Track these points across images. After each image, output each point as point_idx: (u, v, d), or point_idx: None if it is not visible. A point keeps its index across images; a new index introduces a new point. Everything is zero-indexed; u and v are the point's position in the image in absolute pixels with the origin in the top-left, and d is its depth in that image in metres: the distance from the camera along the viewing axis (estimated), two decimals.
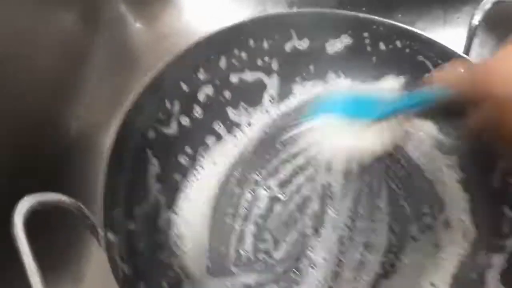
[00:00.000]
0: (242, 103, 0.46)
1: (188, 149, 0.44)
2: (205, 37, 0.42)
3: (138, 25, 0.51)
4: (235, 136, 0.46)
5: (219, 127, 0.45)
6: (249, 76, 0.46)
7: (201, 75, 0.44)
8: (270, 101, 0.47)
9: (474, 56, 0.43)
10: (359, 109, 0.37)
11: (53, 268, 0.30)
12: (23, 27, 0.40)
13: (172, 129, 0.42)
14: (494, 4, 0.42)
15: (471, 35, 0.42)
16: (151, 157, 0.40)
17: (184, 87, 0.43)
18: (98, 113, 0.45)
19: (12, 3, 0.38)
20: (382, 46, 0.46)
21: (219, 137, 0.45)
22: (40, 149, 0.40)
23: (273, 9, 0.54)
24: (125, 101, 0.38)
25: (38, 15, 0.42)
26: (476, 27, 0.42)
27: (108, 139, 0.36)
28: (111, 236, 0.33)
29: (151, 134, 0.41)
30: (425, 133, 0.44)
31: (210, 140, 0.45)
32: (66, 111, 0.43)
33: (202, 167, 0.44)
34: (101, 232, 0.32)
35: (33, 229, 0.28)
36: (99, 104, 0.45)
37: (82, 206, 0.31)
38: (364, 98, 0.38)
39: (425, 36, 0.44)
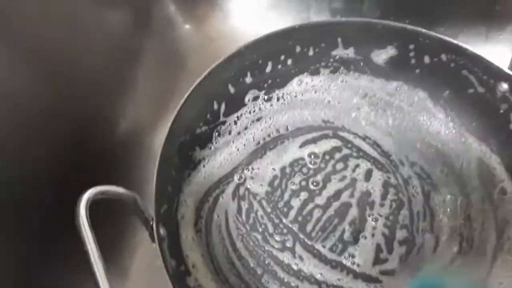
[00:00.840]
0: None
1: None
2: (253, 41, 0.43)
3: (187, 26, 0.51)
4: None
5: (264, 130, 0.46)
6: None
7: (248, 79, 0.45)
8: None
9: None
10: None
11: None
12: (77, 28, 0.40)
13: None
14: None
15: None
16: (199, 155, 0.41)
17: (232, 89, 0.44)
18: (146, 113, 0.46)
19: (67, 4, 0.39)
20: (427, 59, 0.46)
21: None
22: (89, 146, 0.41)
23: (316, 17, 0.54)
24: (172, 101, 0.39)
25: (91, 16, 0.43)
26: None
27: (154, 138, 0.37)
28: (162, 230, 0.34)
29: (199, 132, 0.42)
30: None
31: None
32: (115, 110, 0.44)
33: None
34: (154, 225, 0.33)
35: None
36: (147, 103, 0.46)
37: (139, 199, 0.32)
38: None
39: (471, 51, 0.44)
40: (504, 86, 0.44)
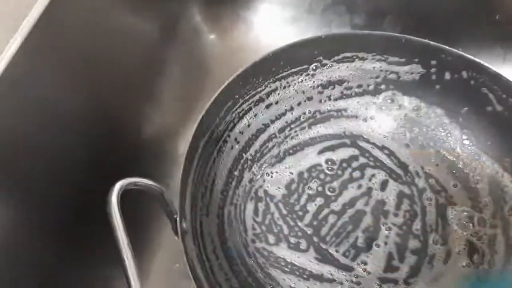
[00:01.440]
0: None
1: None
2: (280, 48, 0.45)
3: (211, 36, 0.53)
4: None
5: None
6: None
7: (266, 83, 0.46)
8: None
9: None
10: None
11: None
12: (110, 38, 0.42)
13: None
14: None
15: None
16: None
17: (251, 91, 0.45)
18: (171, 118, 0.48)
19: (103, 16, 0.41)
20: (447, 75, 0.47)
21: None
22: (118, 148, 0.43)
23: (338, 30, 0.56)
24: (196, 107, 0.40)
25: (120, 24, 0.44)
26: None
27: (178, 142, 0.39)
28: (185, 224, 0.36)
29: (219, 132, 0.43)
30: None
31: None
32: (141, 115, 0.46)
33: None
34: (177, 219, 0.34)
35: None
36: (172, 109, 0.48)
37: (165, 192, 0.33)
38: None
39: (492, 69, 0.45)
40: None
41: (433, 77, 0.48)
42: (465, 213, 0.45)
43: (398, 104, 0.50)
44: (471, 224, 0.44)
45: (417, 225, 0.45)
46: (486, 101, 0.46)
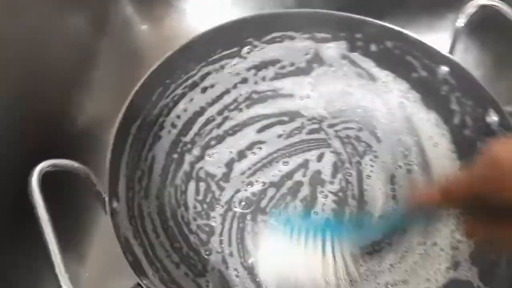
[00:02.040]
0: None
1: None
2: (205, 31, 0.46)
3: (144, 26, 0.55)
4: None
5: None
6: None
7: (199, 67, 0.47)
8: None
9: (459, 58, 0.46)
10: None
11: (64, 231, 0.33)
12: (37, 29, 0.43)
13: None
14: (479, 8, 0.45)
15: (455, 36, 0.45)
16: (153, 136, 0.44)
17: (183, 76, 0.46)
18: (104, 108, 0.49)
19: (28, 8, 0.42)
20: (373, 47, 0.49)
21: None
22: (51, 138, 0.43)
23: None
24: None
25: (51, 18, 0.45)
26: (461, 29, 0.45)
27: (111, 130, 0.40)
28: (115, 203, 0.37)
29: (153, 116, 0.44)
30: None
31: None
32: (74, 104, 0.47)
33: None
34: (106, 198, 0.35)
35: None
36: (105, 100, 0.49)
37: (91, 173, 0.34)
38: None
39: (412, 36, 0.47)
40: (444, 69, 0.47)
41: (360, 50, 0.50)
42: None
43: (331, 80, 0.52)
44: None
45: (352, 190, 0.46)
46: (411, 68, 0.48)
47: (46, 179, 0.33)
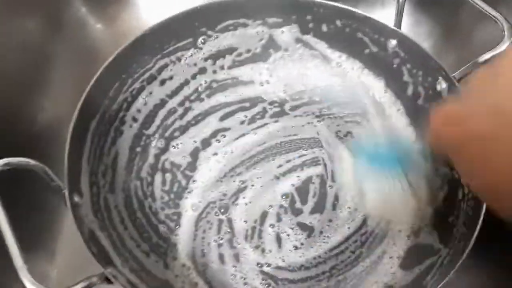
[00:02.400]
0: None
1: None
2: (151, 27, 0.46)
3: (98, 25, 0.55)
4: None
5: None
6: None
7: (154, 60, 0.48)
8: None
9: (406, 31, 0.48)
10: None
11: (28, 230, 0.33)
12: None
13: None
14: None
15: (400, 9, 0.47)
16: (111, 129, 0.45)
17: (139, 70, 0.47)
18: (63, 107, 0.49)
19: None
20: (324, 27, 0.50)
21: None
22: (10, 139, 0.44)
23: None
24: None
25: (5, 24, 0.46)
26: (404, 1, 0.46)
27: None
28: (77, 197, 0.37)
29: (112, 111, 0.45)
30: None
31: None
32: (32, 104, 0.48)
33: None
34: (66, 193, 0.36)
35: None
36: (63, 99, 0.49)
37: (48, 168, 0.35)
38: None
39: (360, 13, 0.48)
40: (393, 42, 0.48)
41: (312, 32, 0.51)
42: None
43: (288, 63, 0.53)
44: None
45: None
46: (362, 44, 0.50)
47: (6, 179, 0.33)
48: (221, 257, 0.44)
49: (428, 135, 0.32)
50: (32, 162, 0.34)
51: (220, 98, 0.52)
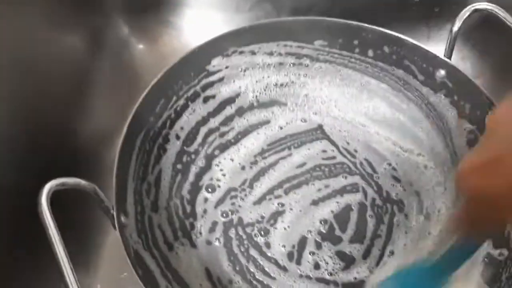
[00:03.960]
0: None
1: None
2: (199, 45, 0.46)
3: (140, 46, 0.55)
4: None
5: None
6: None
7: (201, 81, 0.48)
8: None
9: (455, 62, 0.47)
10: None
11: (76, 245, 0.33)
12: (37, 50, 0.44)
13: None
14: (473, 11, 0.46)
15: (452, 39, 0.46)
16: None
17: (185, 89, 0.47)
18: (104, 127, 0.50)
19: (28, 29, 0.43)
20: (370, 52, 0.50)
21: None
22: (50, 158, 0.44)
23: None
24: (130, 115, 0.42)
25: (50, 38, 0.46)
26: (457, 32, 0.46)
27: (113, 148, 0.40)
28: (123, 218, 0.37)
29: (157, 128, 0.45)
30: None
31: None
32: (75, 124, 0.48)
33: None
34: (114, 213, 0.36)
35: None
36: (105, 118, 0.50)
37: (98, 189, 0.35)
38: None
39: (409, 40, 0.47)
40: (442, 72, 0.47)
41: (357, 56, 0.50)
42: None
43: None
44: None
45: None
46: (409, 72, 0.49)
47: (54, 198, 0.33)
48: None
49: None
50: (83, 182, 0.34)
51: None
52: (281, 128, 0.52)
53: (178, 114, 0.47)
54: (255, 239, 0.45)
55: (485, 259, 0.41)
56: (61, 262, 0.30)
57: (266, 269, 0.43)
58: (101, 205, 0.35)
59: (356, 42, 0.50)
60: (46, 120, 0.43)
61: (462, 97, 0.47)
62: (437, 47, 0.50)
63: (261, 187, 0.48)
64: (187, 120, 0.48)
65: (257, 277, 0.43)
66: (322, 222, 0.46)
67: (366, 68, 0.51)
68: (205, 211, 0.46)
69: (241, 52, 0.49)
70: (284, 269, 0.44)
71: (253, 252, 0.44)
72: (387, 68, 0.50)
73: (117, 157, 0.38)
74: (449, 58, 0.47)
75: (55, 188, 0.33)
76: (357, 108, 0.52)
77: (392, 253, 0.44)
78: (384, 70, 0.50)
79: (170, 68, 0.44)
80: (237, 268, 0.43)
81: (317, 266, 0.44)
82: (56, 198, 0.33)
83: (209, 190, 0.47)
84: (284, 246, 0.45)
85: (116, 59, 0.53)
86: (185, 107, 0.48)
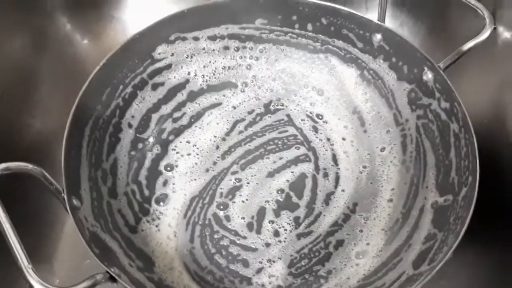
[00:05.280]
0: None
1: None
2: (139, 32, 0.47)
3: (85, 41, 0.56)
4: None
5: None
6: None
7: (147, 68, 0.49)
8: None
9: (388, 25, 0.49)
10: None
11: (29, 230, 0.34)
12: None
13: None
14: None
15: (383, 2, 0.48)
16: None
17: (131, 77, 0.48)
18: (53, 123, 0.50)
19: None
20: (309, 26, 0.51)
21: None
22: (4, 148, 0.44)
23: None
24: None
25: None
26: None
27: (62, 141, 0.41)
28: (75, 200, 0.38)
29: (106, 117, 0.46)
30: None
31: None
32: (23, 121, 0.48)
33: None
34: (64, 196, 0.36)
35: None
36: (53, 115, 0.50)
37: (45, 172, 0.35)
38: None
39: (344, 9, 0.49)
40: (378, 36, 0.49)
41: (297, 31, 0.52)
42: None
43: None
44: None
45: None
46: (348, 40, 0.51)
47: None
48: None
49: None
50: (30, 166, 0.35)
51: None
52: (234, 108, 0.53)
53: (127, 103, 0.48)
54: (215, 213, 0.46)
55: (433, 207, 0.43)
56: (10, 240, 0.30)
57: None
58: (51, 188, 0.36)
59: (294, 17, 0.51)
60: None
61: (400, 58, 0.48)
62: (374, 14, 0.52)
63: (219, 166, 0.49)
64: (137, 109, 0.49)
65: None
66: (279, 192, 0.47)
67: (308, 43, 0.52)
68: (165, 194, 0.47)
69: (184, 39, 0.50)
70: (244, 238, 0.45)
71: (214, 226, 0.45)
72: (328, 40, 0.52)
73: (64, 142, 0.39)
74: (383, 21, 0.49)
75: (1, 173, 0.33)
76: (304, 83, 0.54)
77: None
78: (326, 42, 0.52)
79: (112, 55, 0.45)
80: (201, 242, 0.44)
81: (276, 234, 0.45)
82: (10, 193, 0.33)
83: (168, 172, 0.48)
84: (243, 218, 0.46)
85: (62, 56, 0.54)
86: (133, 95, 0.49)
